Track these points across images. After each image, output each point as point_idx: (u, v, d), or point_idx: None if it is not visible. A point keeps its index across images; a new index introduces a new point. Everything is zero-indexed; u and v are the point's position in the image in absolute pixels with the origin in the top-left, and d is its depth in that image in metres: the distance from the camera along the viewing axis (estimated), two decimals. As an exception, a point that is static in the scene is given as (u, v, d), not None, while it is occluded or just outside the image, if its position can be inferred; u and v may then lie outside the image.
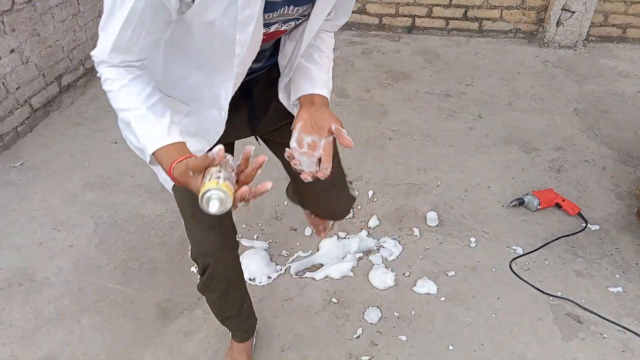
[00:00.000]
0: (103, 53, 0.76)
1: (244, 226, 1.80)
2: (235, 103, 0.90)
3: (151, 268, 1.62)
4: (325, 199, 1.19)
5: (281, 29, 0.87)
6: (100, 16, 2.85)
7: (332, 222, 1.43)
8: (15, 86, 2.23)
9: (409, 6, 3.45)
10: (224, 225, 1.01)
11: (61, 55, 2.53)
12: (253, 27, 0.75)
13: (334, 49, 1.01)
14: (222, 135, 0.94)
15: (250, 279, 1.57)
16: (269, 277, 1.58)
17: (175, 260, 1.65)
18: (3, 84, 2.16)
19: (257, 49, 0.82)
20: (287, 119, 1.03)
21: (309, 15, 0.86)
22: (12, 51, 2.19)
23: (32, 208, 1.87)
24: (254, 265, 1.59)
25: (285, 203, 1.91)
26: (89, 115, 2.50)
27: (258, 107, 1.03)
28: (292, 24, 0.88)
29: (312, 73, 0.94)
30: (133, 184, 2.01)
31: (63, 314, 1.47)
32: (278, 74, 0.99)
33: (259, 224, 1.81)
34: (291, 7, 0.82)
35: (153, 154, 0.76)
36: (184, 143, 0.77)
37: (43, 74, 2.41)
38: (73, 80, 2.65)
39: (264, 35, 0.82)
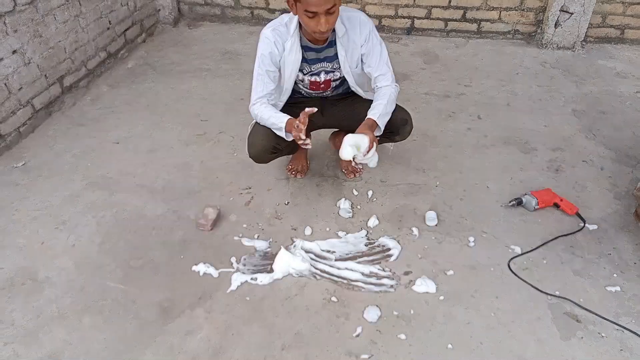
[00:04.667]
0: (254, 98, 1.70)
1: (244, 226, 1.82)
2: (318, 104, 1.78)
3: (153, 267, 1.63)
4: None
5: (328, 78, 1.75)
6: (101, 17, 2.88)
7: (360, 167, 2.06)
8: (17, 87, 2.24)
9: (408, 7, 3.46)
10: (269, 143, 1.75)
11: (63, 56, 2.54)
12: (293, 77, 1.71)
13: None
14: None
15: (252, 278, 1.58)
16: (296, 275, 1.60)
17: (176, 260, 1.66)
18: (5, 84, 2.17)
19: (292, 85, 1.73)
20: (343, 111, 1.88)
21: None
22: (14, 52, 2.20)
23: (34, 208, 1.88)
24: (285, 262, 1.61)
25: (286, 202, 1.92)
26: (91, 115, 2.52)
27: (328, 105, 1.88)
28: (336, 75, 1.74)
29: (376, 106, 1.68)
30: (135, 184, 2.02)
31: (65, 314, 1.47)
32: (343, 95, 1.89)
33: (260, 224, 1.82)
34: (325, 62, 1.71)
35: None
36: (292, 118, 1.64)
37: (45, 75, 2.42)
38: (75, 81, 2.66)
39: (320, 83, 1.76)
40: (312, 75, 1.73)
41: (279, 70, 1.67)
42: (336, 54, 1.67)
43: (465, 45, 3.42)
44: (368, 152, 1.54)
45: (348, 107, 1.86)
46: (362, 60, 1.70)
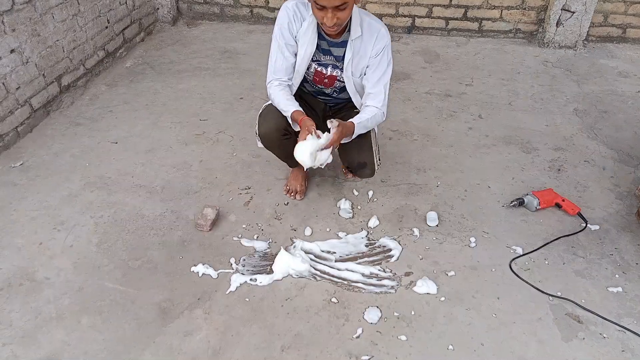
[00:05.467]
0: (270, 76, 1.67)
1: (244, 226, 1.80)
2: (321, 107, 1.85)
3: (151, 268, 1.62)
4: (350, 153, 1.75)
5: (334, 74, 1.69)
6: (100, 16, 2.87)
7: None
8: (15, 86, 2.23)
9: (409, 6, 3.45)
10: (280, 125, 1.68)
11: (61, 55, 2.53)
12: (307, 58, 1.64)
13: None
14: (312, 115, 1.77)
15: (251, 279, 1.57)
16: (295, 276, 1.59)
17: (175, 260, 1.65)
18: (3, 84, 2.16)
19: (305, 68, 1.66)
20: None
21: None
22: (12, 51, 2.19)
23: (33, 208, 1.87)
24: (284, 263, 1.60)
25: (286, 203, 1.91)
26: (89, 115, 2.51)
27: (330, 110, 1.87)
28: (340, 73, 1.67)
29: (360, 114, 1.64)
30: (133, 184, 2.01)
31: (63, 314, 1.47)
32: (341, 106, 1.85)
33: (259, 224, 1.81)
34: (334, 57, 1.65)
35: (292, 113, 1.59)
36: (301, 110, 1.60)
37: (43, 74, 2.41)
38: (73, 80, 2.65)
39: (325, 76, 1.70)
40: (319, 65, 1.67)
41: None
42: (344, 55, 1.62)
43: (466, 44, 3.41)
44: (322, 151, 1.53)
45: (349, 112, 1.77)
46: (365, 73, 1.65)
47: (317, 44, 1.61)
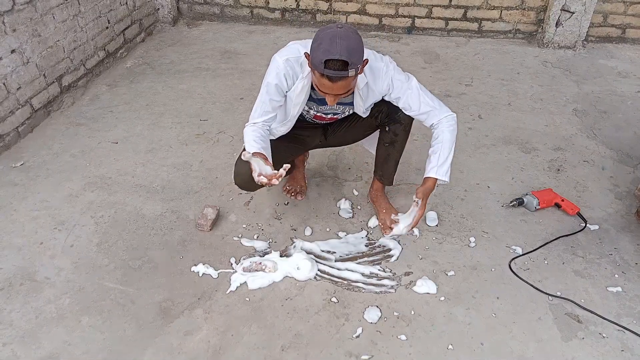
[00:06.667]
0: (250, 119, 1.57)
1: (244, 226, 1.81)
2: (317, 129, 1.78)
3: (152, 268, 1.63)
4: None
5: (335, 117, 1.68)
6: (100, 17, 2.87)
7: (401, 226, 1.70)
8: (16, 86, 2.23)
9: (409, 7, 3.46)
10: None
11: (62, 55, 2.53)
12: (298, 112, 1.58)
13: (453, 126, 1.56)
14: (306, 144, 1.80)
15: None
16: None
17: (175, 260, 1.66)
18: (4, 84, 2.16)
19: (295, 119, 1.61)
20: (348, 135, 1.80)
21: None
22: (12, 51, 2.19)
23: (33, 208, 1.88)
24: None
25: (286, 203, 1.92)
26: (90, 115, 2.51)
27: (330, 130, 1.79)
28: (345, 114, 1.66)
29: (430, 158, 1.57)
30: (134, 184, 2.01)
31: (64, 314, 1.47)
32: (347, 117, 1.72)
33: (259, 224, 1.82)
34: (337, 105, 1.59)
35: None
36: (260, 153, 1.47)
37: (44, 74, 2.41)
38: (74, 81, 2.66)
39: (325, 118, 1.68)
40: (317, 112, 1.64)
41: (285, 100, 1.56)
42: (352, 102, 1.57)
43: (466, 44, 3.41)
44: (412, 227, 1.62)
45: (351, 126, 1.75)
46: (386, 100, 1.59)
47: (312, 96, 1.55)
